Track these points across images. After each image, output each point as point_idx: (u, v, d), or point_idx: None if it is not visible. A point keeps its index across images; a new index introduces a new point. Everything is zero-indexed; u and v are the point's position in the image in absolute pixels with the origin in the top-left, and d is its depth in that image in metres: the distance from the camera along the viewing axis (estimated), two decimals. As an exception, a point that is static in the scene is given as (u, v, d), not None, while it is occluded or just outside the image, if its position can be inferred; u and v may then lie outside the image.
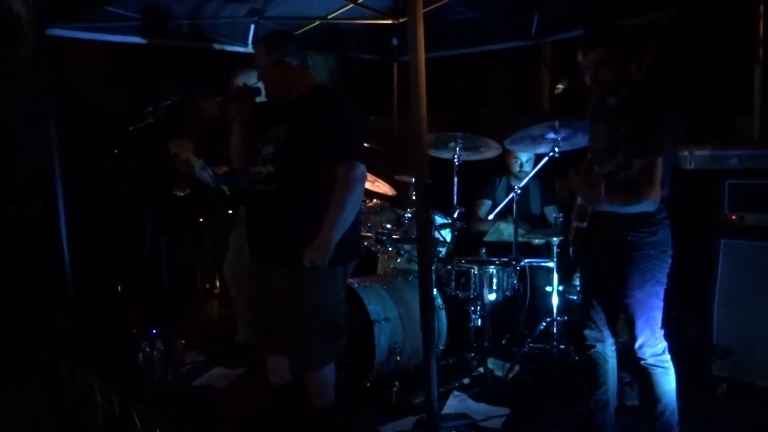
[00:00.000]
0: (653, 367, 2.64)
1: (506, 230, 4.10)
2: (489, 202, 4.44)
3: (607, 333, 2.81)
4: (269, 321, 2.72)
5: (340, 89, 6.53)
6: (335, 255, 2.59)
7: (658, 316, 2.62)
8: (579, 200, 2.69)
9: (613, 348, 2.84)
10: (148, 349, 3.66)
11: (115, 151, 4.50)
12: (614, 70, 2.55)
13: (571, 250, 2.90)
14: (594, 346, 2.82)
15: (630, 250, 2.57)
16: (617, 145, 2.31)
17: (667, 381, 2.64)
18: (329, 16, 4.76)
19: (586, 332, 2.83)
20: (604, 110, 2.68)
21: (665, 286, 2.62)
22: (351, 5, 4.49)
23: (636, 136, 2.38)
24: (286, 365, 2.82)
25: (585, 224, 2.65)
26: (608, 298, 2.75)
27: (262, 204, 2.66)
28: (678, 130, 2.54)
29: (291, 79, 2.67)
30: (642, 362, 2.65)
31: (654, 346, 2.62)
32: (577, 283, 3.59)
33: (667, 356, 2.65)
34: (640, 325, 2.60)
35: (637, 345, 2.63)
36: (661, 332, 2.64)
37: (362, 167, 2.57)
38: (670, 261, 2.61)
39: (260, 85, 3.65)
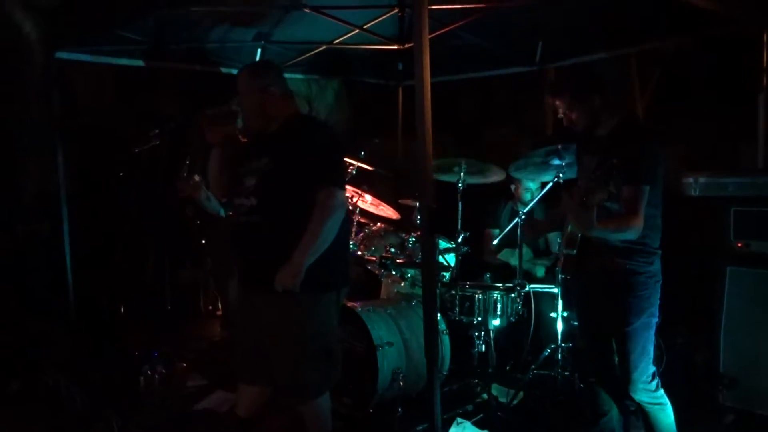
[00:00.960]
0: (649, 405, 2.62)
1: (512, 257, 4.12)
2: (497, 232, 4.43)
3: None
4: (251, 351, 2.69)
5: (345, 112, 6.60)
6: (326, 281, 2.59)
7: (651, 350, 2.60)
8: (569, 227, 2.70)
9: None
10: (149, 372, 3.63)
11: (121, 173, 4.51)
12: (582, 111, 2.62)
13: (560, 278, 2.89)
14: None
15: (627, 278, 2.56)
16: (609, 174, 2.33)
17: (665, 416, 2.62)
18: (335, 42, 4.81)
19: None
20: (593, 142, 2.71)
21: (657, 320, 2.61)
22: (357, 31, 4.53)
23: (625, 164, 2.39)
24: (257, 398, 2.77)
25: (574, 251, 2.65)
26: (604, 328, 2.72)
27: (247, 235, 2.62)
28: (665, 159, 2.56)
29: (272, 107, 2.65)
30: (636, 399, 2.62)
31: (647, 383, 2.60)
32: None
33: (661, 391, 2.63)
34: (635, 357, 2.56)
35: (631, 379, 2.58)
36: (653, 369, 2.62)
37: (341, 193, 2.56)
38: (660, 292, 2.61)
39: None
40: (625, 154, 2.43)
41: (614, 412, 2.85)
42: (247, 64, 2.84)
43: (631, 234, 2.48)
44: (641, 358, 2.57)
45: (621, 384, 2.63)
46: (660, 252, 2.60)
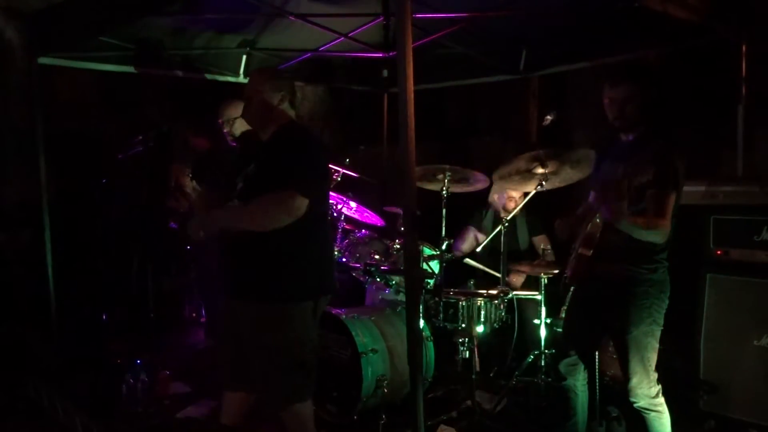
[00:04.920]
0: (646, 411, 2.62)
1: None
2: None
3: (580, 368, 2.85)
4: (233, 358, 2.69)
5: (330, 119, 6.60)
6: (299, 291, 2.55)
7: (653, 357, 2.61)
8: (588, 227, 2.69)
9: (585, 383, 2.88)
10: (131, 380, 3.60)
11: (104, 180, 4.48)
12: (639, 105, 2.61)
13: (564, 279, 2.89)
14: (565, 379, 2.87)
15: (629, 285, 2.58)
16: (638, 171, 2.38)
17: (661, 425, 2.63)
18: (321, 49, 4.82)
19: (560, 364, 2.87)
20: (617, 147, 2.72)
21: (662, 328, 2.62)
22: (342, 39, 4.55)
23: (655, 167, 2.43)
24: (242, 405, 2.76)
25: (591, 252, 2.64)
26: (599, 332, 2.76)
27: (229, 241, 2.62)
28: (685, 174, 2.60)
29: (268, 115, 2.67)
30: (635, 405, 2.64)
31: (647, 389, 2.61)
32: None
33: (661, 399, 2.64)
34: (633, 364, 2.59)
35: (629, 386, 2.61)
36: (655, 375, 2.63)
37: (300, 200, 2.43)
38: (667, 302, 2.62)
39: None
40: (656, 157, 2.47)
41: (578, 418, 2.90)
42: (258, 69, 2.90)
43: (659, 236, 2.50)
44: (640, 363, 2.59)
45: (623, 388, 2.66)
46: (667, 264, 2.61)
